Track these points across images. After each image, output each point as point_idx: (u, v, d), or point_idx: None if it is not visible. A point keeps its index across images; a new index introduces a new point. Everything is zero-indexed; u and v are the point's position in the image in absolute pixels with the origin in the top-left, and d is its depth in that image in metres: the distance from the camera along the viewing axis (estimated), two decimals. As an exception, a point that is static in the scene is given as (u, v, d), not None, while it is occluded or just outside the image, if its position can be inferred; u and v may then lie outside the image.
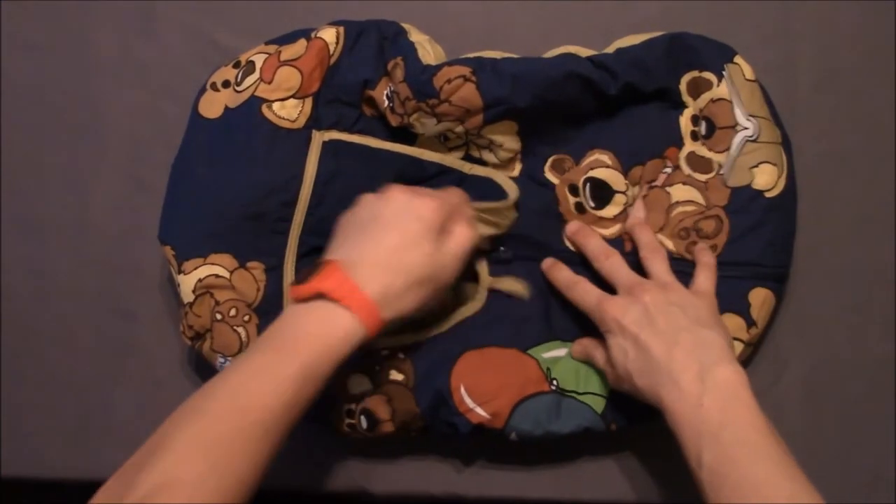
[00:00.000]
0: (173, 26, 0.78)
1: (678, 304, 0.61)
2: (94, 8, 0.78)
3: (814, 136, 0.73)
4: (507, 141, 0.69)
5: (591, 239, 0.68)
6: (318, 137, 0.69)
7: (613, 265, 0.66)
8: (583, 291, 0.65)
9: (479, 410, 0.65)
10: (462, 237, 0.62)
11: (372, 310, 0.57)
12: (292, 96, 0.69)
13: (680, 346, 0.58)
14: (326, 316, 0.57)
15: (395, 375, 0.66)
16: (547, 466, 0.70)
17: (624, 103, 0.69)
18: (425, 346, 0.66)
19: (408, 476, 0.71)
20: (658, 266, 0.65)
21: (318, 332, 0.56)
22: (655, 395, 0.58)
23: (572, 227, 0.69)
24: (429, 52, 0.69)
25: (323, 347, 0.56)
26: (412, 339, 0.67)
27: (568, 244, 0.70)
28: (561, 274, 0.68)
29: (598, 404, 0.66)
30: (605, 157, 0.70)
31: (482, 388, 0.65)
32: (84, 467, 0.73)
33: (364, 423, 0.66)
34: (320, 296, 0.57)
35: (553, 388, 0.66)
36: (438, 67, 0.66)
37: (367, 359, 0.66)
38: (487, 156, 0.70)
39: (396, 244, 0.59)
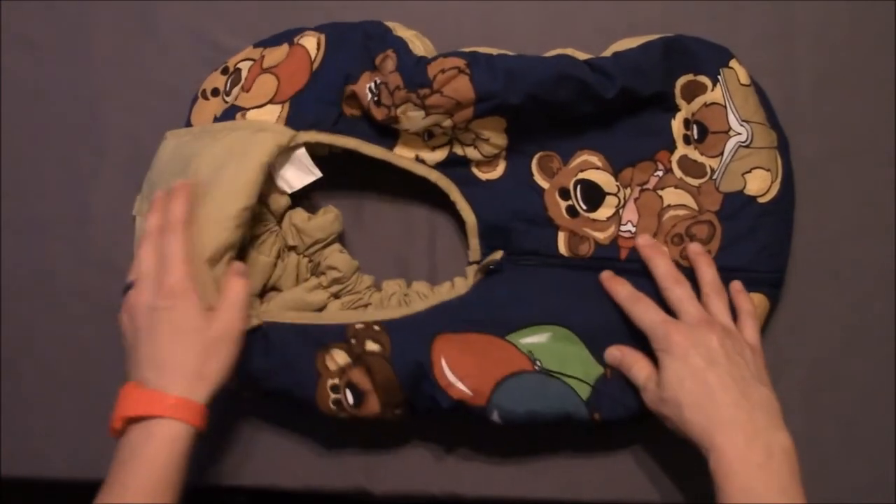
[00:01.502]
0: (173, 26, 0.78)
1: (741, 354, 0.62)
2: (94, 8, 0.78)
3: (814, 136, 0.73)
4: (494, 136, 0.68)
5: (662, 260, 0.67)
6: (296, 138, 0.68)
7: (683, 295, 0.64)
8: (645, 309, 0.64)
9: (461, 385, 0.64)
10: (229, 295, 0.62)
11: (184, 406, 0.58)
12: (269, 102, 0.68)
13: (747, 400, 0.59)
14: (148, 435, 0.58)
15: (371, 346, 0.65)
16: (546, 466, 0.70)
17: (620, 107, 0.68)
18: (401, 322, 0.66)
19: (407, 475, 0.71)
20: (719, 307, 0.65)
21: (148, 453, 0.57)
22: (708, 435, 0.58)
23: (644, 240, 0.68)
24: (418, 46, 0.68)
25: (159, 464, 0.57)
26: (386, 316, 0.66)
27: (562, 250, 0.69)
28: (624, 289, 0.66)
29: (584, 391, 0.65)
30: (595, 159, 0.69)
31: (463, 365, 0.64)
32: (84, 467, 0.73)
33: (350, 397, 0.65)
34: (133, 419, 0.58)
35: (537, 367, 0.65)
36: (434, 58, 0.66)
37: (342, 333, 0.66)
38: (472, 153, 0.69)
39: (168, 337, 0.60)
